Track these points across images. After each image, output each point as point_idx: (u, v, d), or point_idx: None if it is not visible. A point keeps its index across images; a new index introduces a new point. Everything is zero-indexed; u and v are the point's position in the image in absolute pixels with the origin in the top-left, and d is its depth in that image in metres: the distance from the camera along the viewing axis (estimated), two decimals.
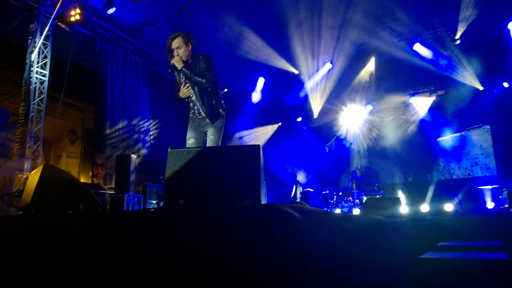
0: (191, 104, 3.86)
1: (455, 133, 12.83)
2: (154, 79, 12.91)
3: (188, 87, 3.79)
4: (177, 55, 3.75)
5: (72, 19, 9.24)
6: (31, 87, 8.80)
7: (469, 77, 11.98)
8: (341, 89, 14.09)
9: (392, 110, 13.83)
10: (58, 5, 8.90)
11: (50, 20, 9.00)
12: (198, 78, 3.69)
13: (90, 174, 11.15)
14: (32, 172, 3.24)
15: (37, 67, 8.96)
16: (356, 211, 10.04)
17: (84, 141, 12.78)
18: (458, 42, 11.57)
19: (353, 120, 14.42)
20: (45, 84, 9.08)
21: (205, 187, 2.26)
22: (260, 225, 1.49)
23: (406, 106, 13.60)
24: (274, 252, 1.43)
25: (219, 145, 3.84)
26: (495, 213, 8.26)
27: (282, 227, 1.48)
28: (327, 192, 12.03)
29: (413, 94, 13.41)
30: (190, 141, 3.83)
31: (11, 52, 9.96)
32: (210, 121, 3.79)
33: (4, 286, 2.05)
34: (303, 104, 14.73)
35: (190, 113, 3.89)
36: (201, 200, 2.23)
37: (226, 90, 13.70)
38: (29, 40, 8.98)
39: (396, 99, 13.62)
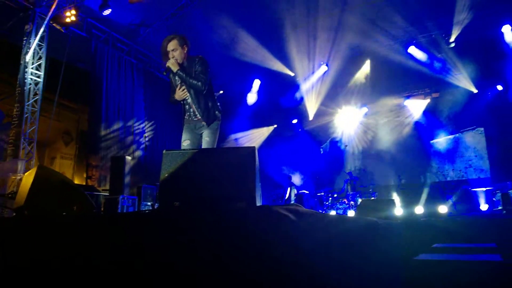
0: (187, 106, 3.85)
1: (449, 135, 12.93)
2: (150, 81, 12.86)
3: (183, 89, 3.78)
4: (173, 57, 3.73)
5: (68, 20, 9.21)
6: (25, 88, 8.74)
7: (463, 80, 12.07)
8: (336, 91, 14.14)
9: (387, 113, 13.91)
10: (54, 6, 8.84)
11: (45, 21, 8.94)
12: (194, 81, 3.68)
13: (85, 175, 11.10)
14: (26, 174, 3.22)
15: (32, 68, 8.90)
16: (351, 213, 10.07)
17: (79, 142, 12.74)
18: (452, 45, 11.64)
19: (348, 122, 14.49)
20: (40, 85, 9.02)
21: (200, 189, 2.25)
22: (255, 227, 1.50)
23: (401, 108, 13.69)
24: (269, 254, 1.43)
25: (215, 147, 3.84)
26: (488, 215, 8.32)
27: (277, 229, 1.48)
28: (322, 194, 12.07)
29: (408, 97, 13.49)
30: (186, 143, 3.81)
31: (5, 53, 9.90)
32: (206, 123, 3.77)
33: None
34: (299, 106, 14.76)
35: (186, 115, 3.87)
36: (196, 202, 2.22)
37: (221, 92, 13.70)
38: (24, 41, 8.91)
39: (391, 101, 13.70)
